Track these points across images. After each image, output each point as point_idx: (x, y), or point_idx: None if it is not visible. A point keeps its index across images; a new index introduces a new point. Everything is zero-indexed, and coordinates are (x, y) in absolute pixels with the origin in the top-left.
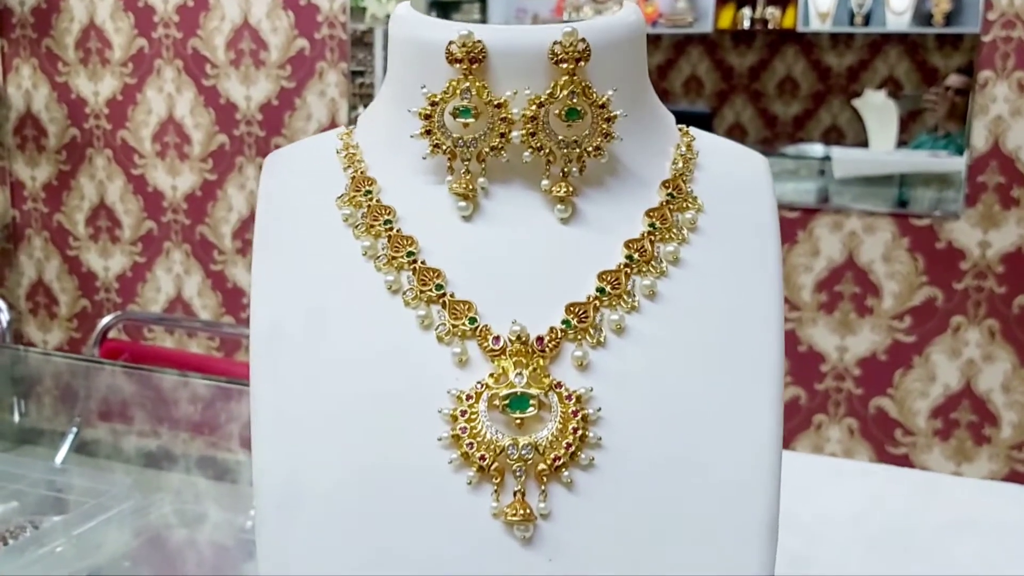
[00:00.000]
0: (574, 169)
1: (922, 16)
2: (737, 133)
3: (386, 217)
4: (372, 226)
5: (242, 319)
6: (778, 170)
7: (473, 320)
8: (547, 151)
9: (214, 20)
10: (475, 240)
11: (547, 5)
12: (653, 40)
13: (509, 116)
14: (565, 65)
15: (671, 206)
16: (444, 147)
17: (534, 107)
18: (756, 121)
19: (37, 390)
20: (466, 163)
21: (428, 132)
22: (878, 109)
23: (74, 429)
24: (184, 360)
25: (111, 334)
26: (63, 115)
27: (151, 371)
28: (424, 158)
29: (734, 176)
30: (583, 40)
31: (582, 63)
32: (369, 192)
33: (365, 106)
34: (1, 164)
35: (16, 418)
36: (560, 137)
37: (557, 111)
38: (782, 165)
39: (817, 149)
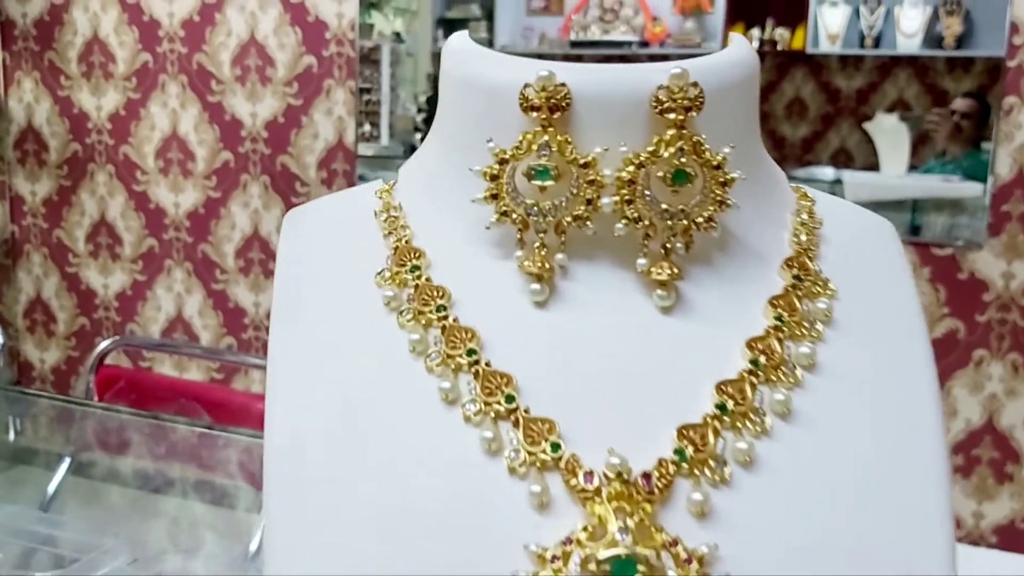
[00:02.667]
0: (679, 245)
1: (933, 39)
2: None
3: (439, 302)
4: (422, 312)
5: (243, 340)
6: None
7: (556, 447)
8: (646, 222)
9: (220, 35)
10: (552, 334)
11: (555, 24)
12: (659, 59)
13: (599, 179)
14: (672, 116)
15: (798, 291)
16: (514, 215)
17: (632, 168)
18: (764, 143)
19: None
20: (541, 235)
21: (495, 196)
22: (890, 132)
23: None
24: (183, 389)
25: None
26: (65, 129)
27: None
28: (488, 228)
29: (865, 249)
30: (695, 84)
31: (692, 113)
32: (417, 268)
33: (373, 124)
34: (1, 179)
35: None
36: (663, 206)
37: (661, 173)
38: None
39: (827, 172)
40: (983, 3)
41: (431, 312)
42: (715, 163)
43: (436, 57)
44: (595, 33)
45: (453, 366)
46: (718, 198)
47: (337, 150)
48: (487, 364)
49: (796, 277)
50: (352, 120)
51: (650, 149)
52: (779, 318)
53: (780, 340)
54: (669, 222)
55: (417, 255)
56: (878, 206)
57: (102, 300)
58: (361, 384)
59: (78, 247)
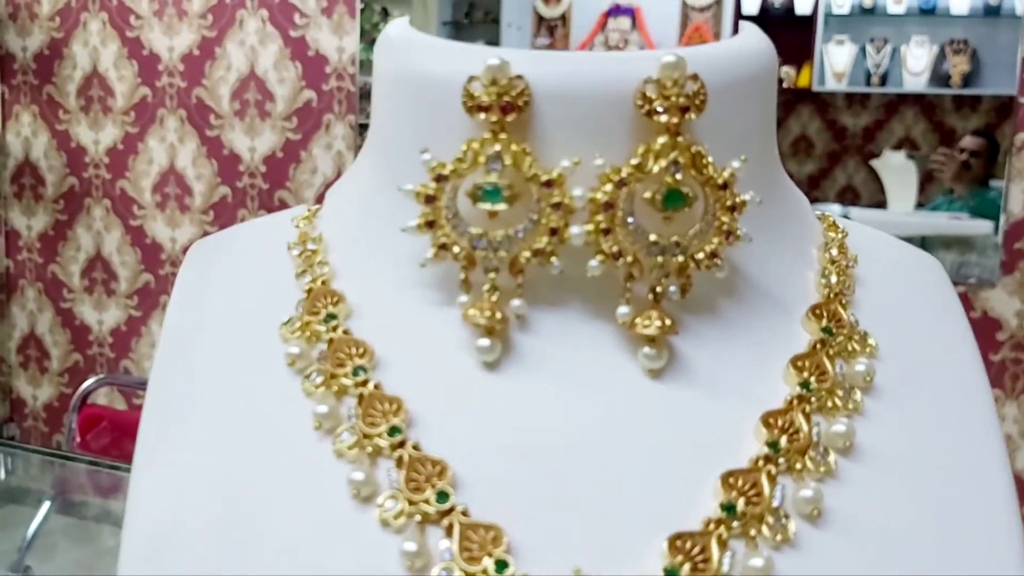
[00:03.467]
0: (672, 288)
1: (939, 77)
2: None
3: (358, 361)
4: (334, 376)
5: None
6: None
7: (502, 566)
8: (629, 259)
9: (220, 69)
10: (504, 406)
11: None
12: None
13: (567, 201)
14: (664, 118)
15: (829, 349)
16: (456, 249)
17: (610, 187)
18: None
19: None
20: (492, 275)
21: (430, 224)
22: (897, 170)
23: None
24: None
25: (96, 397)
26: (62, 164)
27: (102, 465)
28: (422, 265)
29: (909, 292)
30: (694, 77)
31: (691, 115)
32: (332, 317)
33: None
34: None
35: None
36: (652, 237)
37: (648, 194)
38: None
39: (835, 209)
40: (990, 42)
41: (346, 376)
42: (721, 181)
43: None
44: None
45: (370, 449)
46: (724, 227)
47: None
48: (415, 448)
49: (826, 330)
50: (351, 155)
51: (635, 162)
52: (805, 385)
53: (807, 415)
54: (659, 258)
55: (335, 300)
56: None
57: (96, 336)
58: (249, 472)
59: (73, 282)
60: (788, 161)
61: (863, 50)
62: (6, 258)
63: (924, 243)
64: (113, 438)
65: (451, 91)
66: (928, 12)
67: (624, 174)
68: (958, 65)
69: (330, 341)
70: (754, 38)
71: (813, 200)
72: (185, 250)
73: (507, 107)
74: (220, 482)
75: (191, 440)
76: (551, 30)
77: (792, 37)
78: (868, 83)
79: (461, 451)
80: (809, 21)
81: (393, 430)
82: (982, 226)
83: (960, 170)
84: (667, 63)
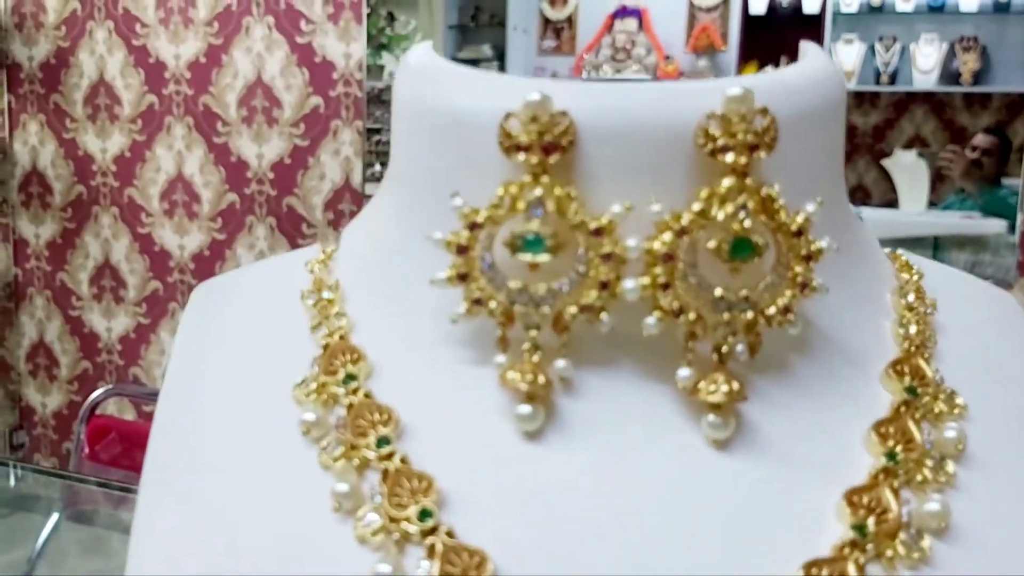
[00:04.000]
0: (739, 348)
1: (949, 75)
2: None
3: (382, 431)
4: (355, 448)
5: None
6: None
7: None
8: (691, 316)
9: (227, 77)
10: (547, 482)
11: (566, 64)
12: None
13: (618, 252)
14: (730, 158)
15: (915, 411)
16: (493, 304)
17: (669, 235)
18: None
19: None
20: (533, 334)
21: (463, 277)
22: (908, 169)
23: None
24: None
25: (106, 406)
26: (69, 172)
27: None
28: (453, 321)
29: (992, 338)
30: (764, 111)
31: (760, 154)
32: (352, 378)
33: (383, 164)
34: (5, 221)
35: None
36: (717, 291)
37: (713, 243)
38: None
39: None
40: (1000, 39)
41: (369, 447)
42: (795, 228)
43: None
44: (607, 72)
45: (397, 535)
46: (799, 279)
47: (344, 191)
48: (448, 534)
49: (910, 390)
50: (359, 161)
51: (697, 208)
52: (891, 455)
53: (895, 491)
54: (726, 315)
55: (354, 357)
56: (898, 243)
57: (105, 344)
58: (259, 559)
59: (81, 290)
60: None
61: (872, 49)
62: (14, 266)
63: (937, 243)
64: (123, 449)
65: (484, 128)
66: (937, 9)
67: (685, 221)
68: (968, 63)
69: (350, 406)
70: (820, 62)
71: None
72: (194, 258)
73: (549, 147)
74: (226, 562)
75: (192, 519)
76: (557, 32)
77: (800, 36)
78: (877, 82)
79: (500, 537)
80: (817, 20)
81: (423, 513)
82: (995, 225)
83: (970, 168)
84: (733, 96)
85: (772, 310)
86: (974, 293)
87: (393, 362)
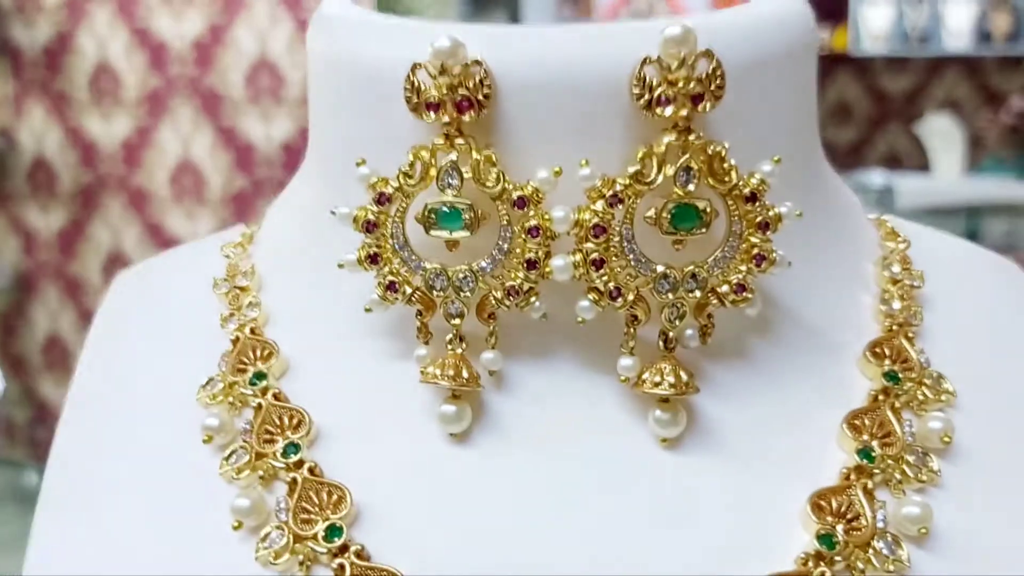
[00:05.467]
0: (689, 333)
1: (982, 36)
2: None
3: (291, 437)
4: (262, 456)
5: None
6: None
7: None
8: (630, 297)
9: (231, 55)
10: (475, 490)
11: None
12: None
13: (546, 224)
14: (669, 111)
15: (894, 401)
16: (408, 290)
17: (601, 204)
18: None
19: None
20: (456, 322)
21: (373, 258)
22: (941, 134)
23: None
24: None
25: None
26: (76, 159)
27: None
28: (367, 310)
29: (989, 312)
30: (707, 54)
31: (705, 105)
32: (261, 377)
33: None
34: (13, 212)
35: None
36: (658, 268)
37: (652, 212)
38: None
39: (876, 178)
40: None
41: (275, 456)
42: (748, 191)
43: None
44: None
45: (304, 556)
46: (755, 251)
47: None
48: (359, 555)
49: (890, 375)
50: None
51: (632, 170)
52: (866, 452)
53: (870, 492)
54: (671, 295)
55: (265, 353)
56: (932, 212)
57: None
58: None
59: (93, 281)
60: (826, 128)
61: (901, 10)
62: (26, 257)
63: (971, 211)
64: None
65: (395, 83)
66: None
67: (619, 187)
68: (1000, 23)
69: (257, 408)
70: (785, 0)
71: (853, 167)
72: None
73: (463, 104)
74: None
75: (90, 538)
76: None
77: None
78: (907, 44)
79: (418, 555)
80: None
81: (332, 530)
82: None
83: (1008, 132)
84: (671, 37)
85: (725, 288)
86: (970, 261)
87: (309, 357)
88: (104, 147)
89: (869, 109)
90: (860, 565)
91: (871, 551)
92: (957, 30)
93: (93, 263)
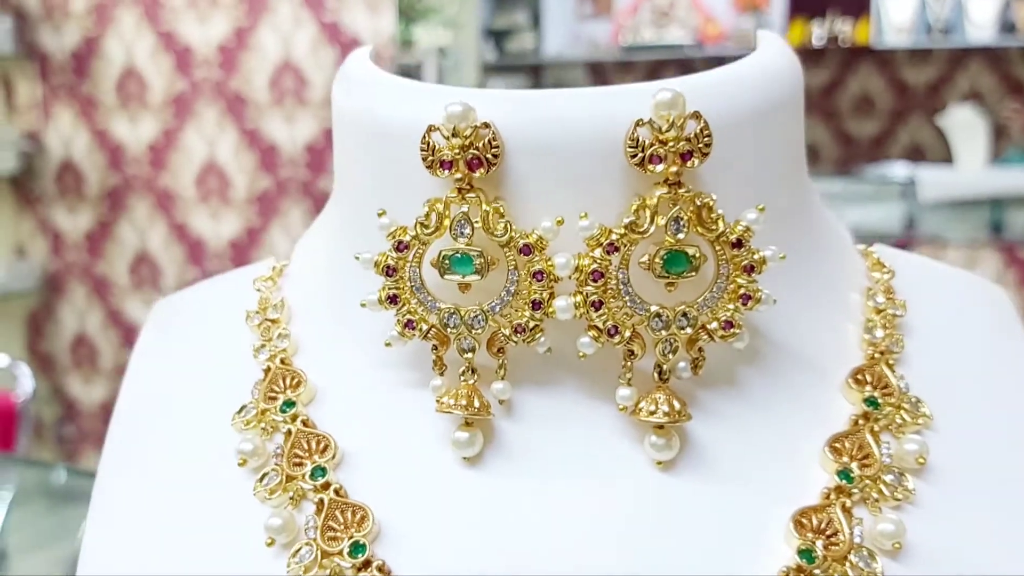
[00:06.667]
0: (681, 365)
1: (1006, 27)
2: (810, 155)
3: (318, 460)
4: (292, 479)
5: None
6: (855, 194)
7: None
8: (626, 334)
9: (256, 58)
10: (487, 510)
11: (605, 29)
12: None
13: (549, 269)
14: (660, 167)
15: (874, 424)
16: (424, 326)
17: (599, 251)
18: (831, 142)
19: None
20: (468, 356)
21: (393, 299)
22: (965, 126)
23: None
24: None
25: None
26: (103, 161)
27: None
28: (387, 344)
29: (972, 341)
30: (696, 116)
31: (695, 161)
32: (291, 405)
33: None
34: (41, 214)
35: None
36: (653, 308)
37: (645, 258)
38: (860, 189)
39: (899, 170)
40: None
41: (305, 478)
42: (734, 236)
43: (483, 70)
44: (647, 37)
45: (331, 570)
46: (742, 291)
47: None
48: (381, 569)
49: (870, 401)
50: None
51: (627, 221)
52: (845, 473)
53: (848, 511)
54: (664, 332)
55: (295, 382)
56: (955, 205)
57: None
58: None
59: (120, 281)
60: (849, 121)
61: (923, 2)
62: (54, 258)
63: (995, 203)
64: None
65: (411, 142)
66: None
67: (615, 236)
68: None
69: (287, 434)
70: (770, 54)
71: (875, 160)
72: (232, 244)
73: (474, 162)
74: None
75: (134, 554)
76: None
77: None
78: (930, 36)
79: (436, 570)
80: None
81: (356, 547)
82: None
83: None
84: (661, 101)
85: (714, 325)
86: (955, 290)
87: (335, 386)
88: (131, 149)
89: (892, 101)
90: None
91: (848, 564)
92: (981, 21)
93: (120, 263)
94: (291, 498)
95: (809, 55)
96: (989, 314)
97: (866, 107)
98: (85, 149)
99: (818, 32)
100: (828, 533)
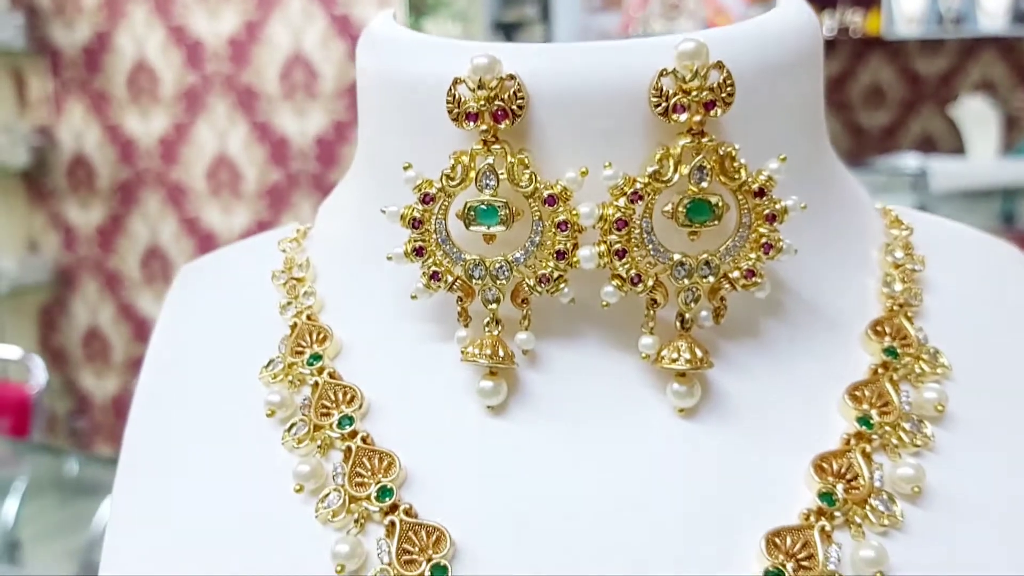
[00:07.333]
0: (704, 314)
1: (1019, 16)
2: None
3: (345, 410)
4: (319, 428)
5: None
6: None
7: None
8: (649, 283)
9: (266, 52)
10: (511, 457)
11: (615, 21)
12: None
13: (573, 219)
14: (684, 117)
15: (893, 373)
16: (450, 278)
17: (623, 200)
18: (842, 133)
19: None
20: (492, 307)
21: (419, 251)
22: (977, 116)
23: None
24: None
25: None
26: (114, 156)
27: None
28: (413, 297)
29: (991, 297)
30: (719, 66)
31: (718, 111)
32: (318, 358)
33: None
34: (53, 209)
35: None
36: (675, 256)
37: (669, 207)
38: (871, 180)
39: (910, 161)
40: None
41: (332, 427)
42: (756, 187)
43: None
44: (657, 29)
45: (358, 515)
46: (763, 240)
47: None
48: (408, 513)
49: (890, 351)
50: None
51: (651, 170)
52: (865, 419)
53: (868, 456)
54: (686, 280)
55: (320, 337)
56: (966, 195)
57: None
58: (224, 542)
59: (132, 275)
60: (860, 113)
61: None
62: (66, 252)
63: (1007, 193)
64: None
65: (437, 96)
66: None
67: (639, 185)
68: None
69: (315, 386)
70: (791, 11)
71: (888, 151)
72: (243, 237)
73: (499, 113)
74: (193, 553)
75: (165, 504)
76: None
77: None
78: (941, 26)
79: (461, 515)
80: None
81: (383, 492)
82: None
83: None
84: (684, 51)
85: (736, 273)
86: (973, 247)
87: (361, 341)
88: (142, 144)
89: (903, 92)
90: (858, 520)
91: (868, 508)
92: (993, 11)
93: (132, 257)
94: (319, 447)
95: None
96: (1007, 270)
97: (877, 98)
98: (96, 143)
99: (829, 23)
100: (848, 477)
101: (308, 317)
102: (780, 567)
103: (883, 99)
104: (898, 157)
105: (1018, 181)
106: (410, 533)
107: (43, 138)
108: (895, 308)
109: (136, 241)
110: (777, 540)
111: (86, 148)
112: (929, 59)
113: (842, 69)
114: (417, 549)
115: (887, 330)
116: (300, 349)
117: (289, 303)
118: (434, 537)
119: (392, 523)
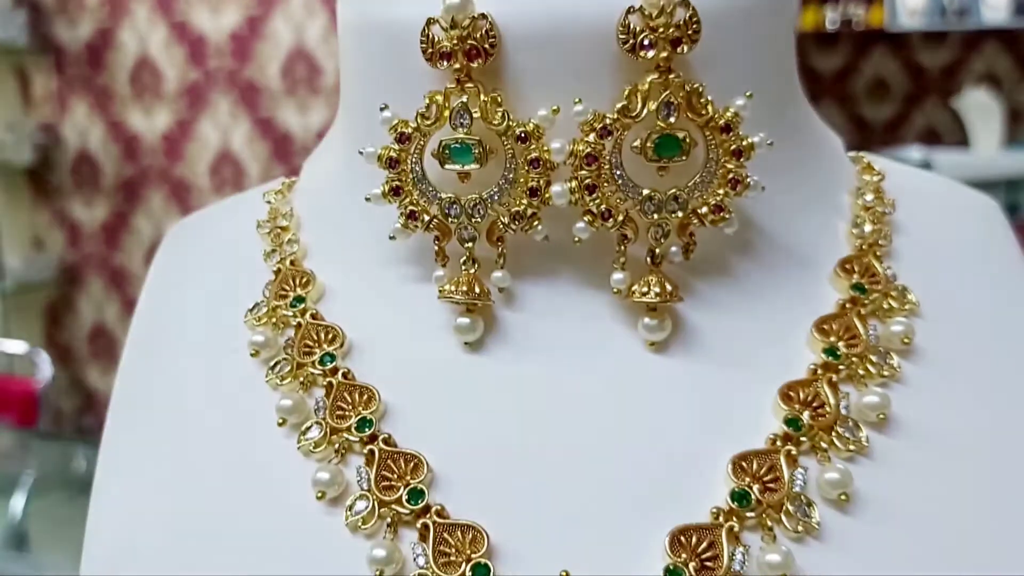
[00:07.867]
0: (673, 249)
1: (1021, 8)
2: None
3: (326, 348)
4: (301, 366)
5: None
6: None
7: (482, 570)
8: (619, 218)
9: (268, 47)
10: (487, 390)
11: None
12: None
13: (545, 156)
14: (651, 54)
15: (861, 308)
16: (426, 218)
17: (593, 136)
18: (846, 125)
19: None
20: (468, 245)
21: (395, 191)
22: (980, 108)
23: None
24: None
25: None
26: (118, 152)
27: None
28: (392, 237)
29: (957, 240)
30: (685, 2)
31: (684, 48)
32: (301, 300)
33: None
34: (58, 206)
35: None
36: (644, 191)
37: (637, 142)
38: None
39: (914, 154)
40: None
41: (314, 365)
42: (722, 122)
43: None
44: None
45: (338, 446)
46: (730, 175)
47: None
48: (387, 442)
49: (858, 287)
50: None
51: (620, 106)
52: (831, 351)
53: (834, 385)
54: (655, 216)
55: (303, 281)
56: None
57: None
58: (212, 477)
59: (137, 271)
60: (863, 105)
61: None
62: (71, 249)
63: (1011, 186)
64: None
65: (411, 37)
66: None
67: (608, 120)
68: None
69: (297, 326)
70: None
71: (890, 143)
72: None
73: (472, 52)
74: (182, 489)
75: (154, 444)
76: None
77: None
78: (944, 19)
79: (439, 445)
80: None
81: (363, 423)
82: None
83: None
84: None
85: (704, 208)
86: (943, 193)
87: (342, 284)
88: (145, 140)
89: (907, 85)
90: (824, 445)
91: (834, 434)
92: (996, 3)
93: (136, 254)
94: (301, 383)
95: (823, 39)
96: (977, 215)
97: (881, 91)
98: (100, 140)
99: (832, 16)
100: (815, 405)
101: (292, 263)
102: (746, 489)
103: (887, 92)
104: (902, 150)
105: (1022, 172)
106: (389, 461)
107: (47, 135)
108: (864, 248)
109: (141, 237)
110: (743, 463)
111: (90, 145)
112: (932, 51)
113: (845, 62)
114: (396, 476)
115: (856, 268)
116: (284, 293)
117: (273, 250)
118: (412, 464)
119: (372, 452)
